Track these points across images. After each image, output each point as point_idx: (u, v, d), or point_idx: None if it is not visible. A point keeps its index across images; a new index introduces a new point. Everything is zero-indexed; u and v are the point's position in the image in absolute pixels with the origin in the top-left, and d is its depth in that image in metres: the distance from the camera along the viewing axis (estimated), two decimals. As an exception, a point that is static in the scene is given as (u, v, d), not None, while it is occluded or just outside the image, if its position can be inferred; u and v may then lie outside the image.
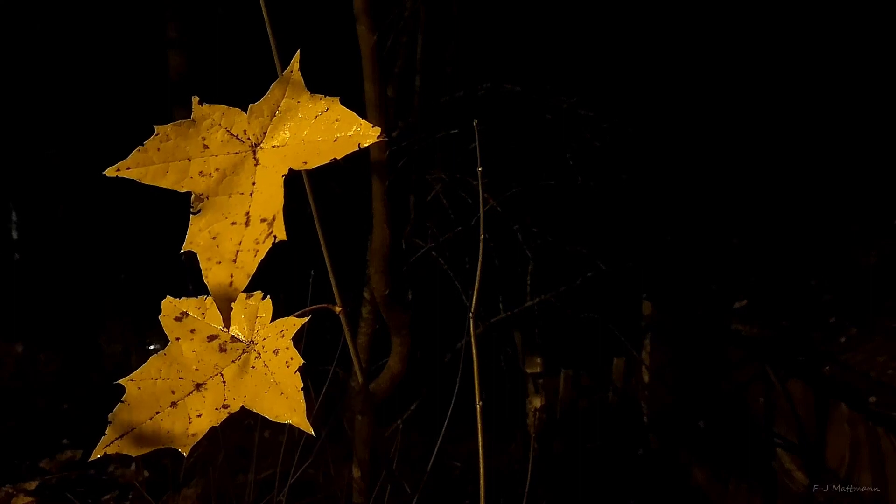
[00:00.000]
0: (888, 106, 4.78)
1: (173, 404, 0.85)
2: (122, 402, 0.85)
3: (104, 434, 0.83)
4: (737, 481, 3.73)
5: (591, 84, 3.96)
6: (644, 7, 5.14)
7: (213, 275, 0.76)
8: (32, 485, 3.18)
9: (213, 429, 0.85)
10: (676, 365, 4.18)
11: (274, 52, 0.89)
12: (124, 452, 0.83)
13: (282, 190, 0.77)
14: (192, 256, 0.80)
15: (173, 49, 5.06)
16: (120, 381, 0.86)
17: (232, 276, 0.75)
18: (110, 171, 0.78)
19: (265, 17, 0.88)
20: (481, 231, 1.15)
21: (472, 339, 1.16)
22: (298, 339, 0.87)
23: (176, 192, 0.81)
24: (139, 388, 0.86)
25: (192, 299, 0.91)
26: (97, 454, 0.82)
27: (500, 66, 3.59)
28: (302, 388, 0.83)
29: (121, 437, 0.83)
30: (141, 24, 5.21)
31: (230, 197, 0.79)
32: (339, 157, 0.77)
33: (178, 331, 0.90)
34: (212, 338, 0.89)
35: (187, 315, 0.90)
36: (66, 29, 5.37)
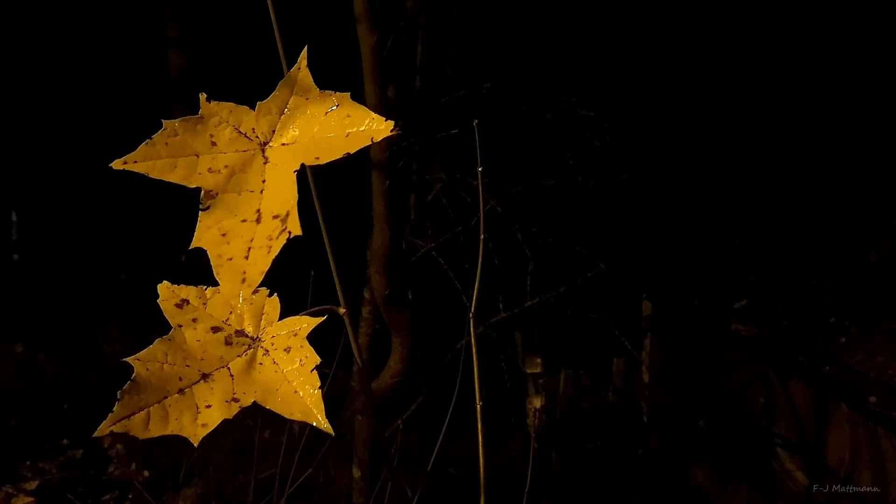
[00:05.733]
0: (888, 106, 4.78)
1: (181, 391, 0.84)
2: (132, 380, 0.82)
3: (111, 412, 0.80)
4: (737, 481, 3.73)
5: (591, 84, 3.96)
6: (644, 7, 5.13)
7: (224, 272, 0.75)
8: (32, 485, 3.18)
9: (214, 428, 0.83)
10: (676, 365, 4.18)
11: (280, 50, 0.88)
12: (132, 433, 0.81)
13: (295, 186, 0.76)
14: (192, 257, 0.80)
15: (174, 48, 5.06)
16: (128, 360, 0.84)
17: (245, 273, 0.75)
18: (117, 164, 0.77)
19: (272, 16, 0.88)
20: (481, 231, 1.15)
21: (472, 339, 1.16)
22: (298, 340, 0.87)
23: (178, 192, 0.80)
24: (147, 370, 0.84)
25: (192, 287, 0.89)
26: (104, 431, 0.79)
27: (500, 66, 3.59)
28: (320, 387, 0.82)
29: (129, 416, 0.81)
30: (142, 24, 5.21)
31: (240, 194, 0.78)
32: (351, 152, 0.76)
33: (180, 318, 0.88)
34: (216, 329, 0.88)
35: (188, 303, 0.89)
36: (67, 29, 5.37)
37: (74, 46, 5.31)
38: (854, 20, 5.00)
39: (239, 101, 0.82)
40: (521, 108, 3.31)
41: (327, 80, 0.80)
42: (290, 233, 0.74)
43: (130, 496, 3.21)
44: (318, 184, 0.88)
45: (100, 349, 4.56)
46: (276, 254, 0.75)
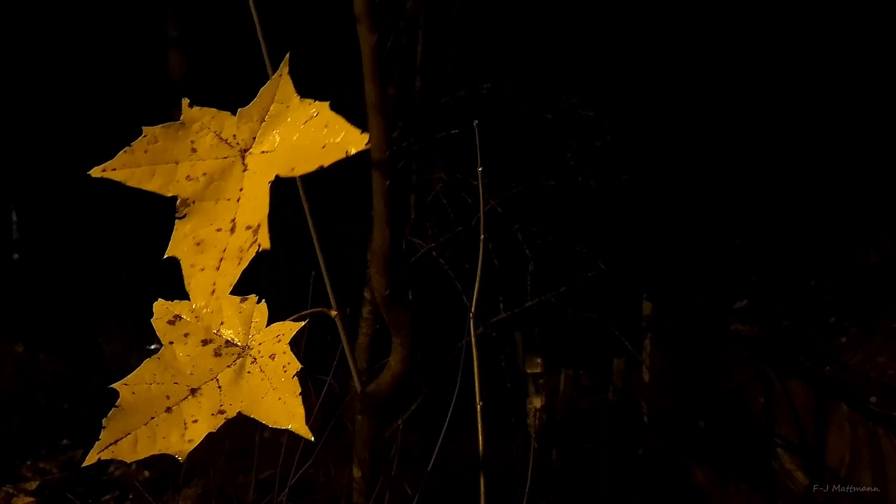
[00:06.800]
0: (888, 106, 4.78)
1: (168, 409, 0.84)
2: (117, 406, 0.83)
3: (98, 439, 0.82)
4: (737, 481, 3.73)
5: (591, 84, 3.96)
6: (644, 7, 5.13)
7: (195, 282, 0.74)
8: (33, 485, 3.19)
9: (211, 432, 0.84)
10: (676, 365, 4.18)
11: (265, 55, 0.88)
12: (119, 458, 0.82)
13: (268, 197, 0.74)
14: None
15: (174, 48, 5.06)
16: (114, 386, 0.85)
17: (214, 285, 0.73)
18: (95, 172, 0.76)
19: (255, 20, 0.87)
20: (481, 231, 1.15)
21: (473, 339, 1.16)
22: (298, 341, 0.87)
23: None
24: (133, 393, 0.84)
25: (186, 302, 0.89)
26: (91, 460, 0.81)
27: (500, 66, 3.58)
28: (300, 394, 0.82)
29: (115, 442, 0.82)
30: (142, 24, 5.21)
31: (217, 202, 0.77)
32: (326, 165, 0.74)
33: (172, 334, 0.88)
34: (206, 342, 0.88)
35: (181, 318, 0.89)
36: (68, 29, 5.37)
37: (75, 47, 5.31)
38: (854, 20, 5.00)
39: (239, 102, 0.82)
40: (521, 108, 3.30)
41: (327, 80, 0.80)
42: (259, 245, 0.73)
43: (130, 496, 3.21)
44: (317, 184, 0.88)
45: (100, 349, 4.56)
46: (246, 266, 0.73)
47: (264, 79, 0.82)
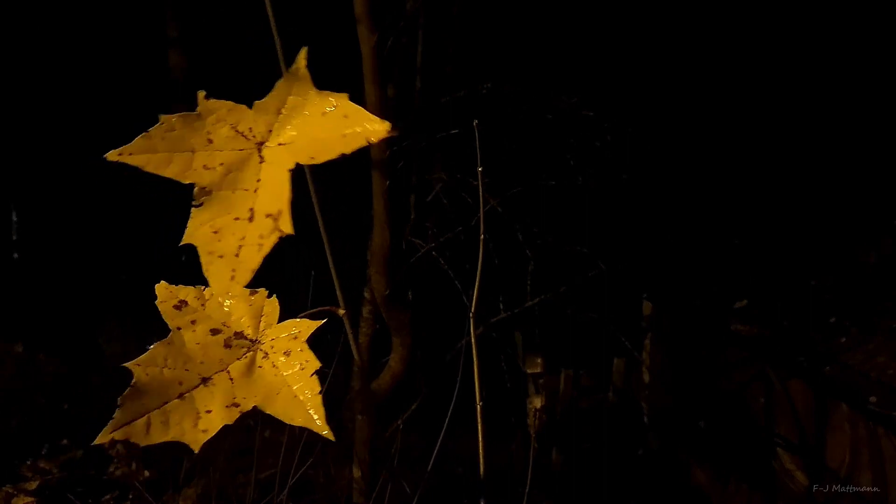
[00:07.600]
0: (888, 106, 4.78)
1: (181, 396, 0.84)
2: (132, 385, 0.82)
3: (112, 418, 0.80)
4: (737, 481, 3.73)
5: (591, 84, 3.96)
6: (645, 7, 5.13)
7: (214, 269, 0.74)
8: (33, 485, 3.18)
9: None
10: (676, 365, 4.18)
11: (278, 49, 0.88)
12: (133, 440, 0.80)
13: (289, 184, 0.75)
14: (192, 257, 0.79)
15: (174, 48, 5.07)
16: (127, 365, 0.84)
17: (234, 271, 0.74)
18: (111, 155, 0.76)
19: (270, 17, 0.87)
20: (481, 231, 1.15)
21: (473, 339, 1.16)
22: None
23: (176, 190, 0.80)
24: (147, 374, 0.84)
25: (190, 288, 0.89)
26: (104, 439, 0.79)
27: (501, 66, 3.59)
28: (320, 392, 0.82)
29: (129, 422, 0.81)
30: (142, 24, 5.22)
31: (234, 192, 0.77)
32: (347, 153, 0.75)
33: (179, 320, 0.88)
34: (215, 332, 0.87)
35: (186, 304, 0.88)
36: (68, 29, 5.37)
37: (75, 46, 5.31)
38: (854, 20, 5.00)
39: (240, 101, 0.82)
40: (521, 108, 3.31)
41: (327, 80, 0.80)
42: (281, 232, 0.74)
43: (130, 496, 3.21)
44: (318, 184, 0.88)
45: (100, 349, 4.56)
46: (267, 252, 0.74)
47: (264, 78, 0.82)
